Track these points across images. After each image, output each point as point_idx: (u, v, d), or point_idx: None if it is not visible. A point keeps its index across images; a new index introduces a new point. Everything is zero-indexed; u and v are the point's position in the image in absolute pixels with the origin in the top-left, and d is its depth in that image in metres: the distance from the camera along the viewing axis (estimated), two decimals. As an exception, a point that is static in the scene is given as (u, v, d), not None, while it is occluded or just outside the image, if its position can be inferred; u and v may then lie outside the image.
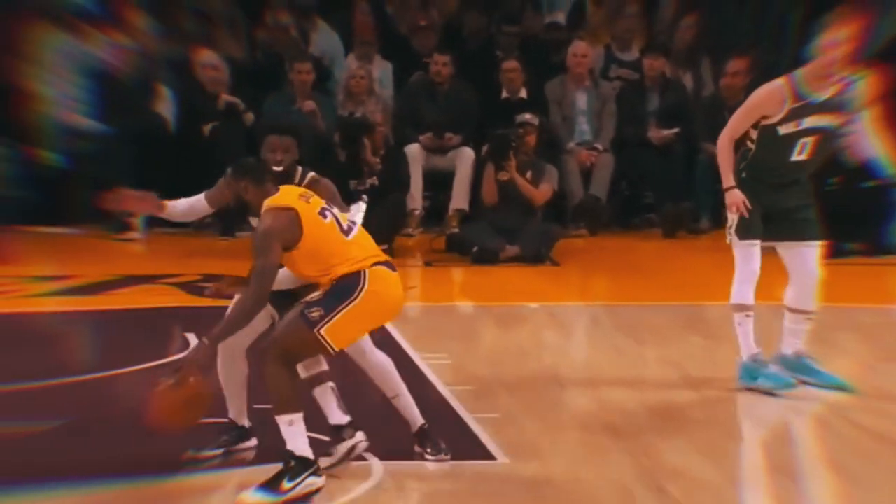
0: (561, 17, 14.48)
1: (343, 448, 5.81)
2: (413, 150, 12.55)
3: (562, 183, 12.17)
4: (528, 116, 11.60)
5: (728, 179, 6.93)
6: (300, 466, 5.46)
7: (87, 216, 11.91)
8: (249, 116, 12.57)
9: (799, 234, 6.98)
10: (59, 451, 6.01)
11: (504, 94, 13.06)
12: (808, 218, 7.02)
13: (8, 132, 12.20)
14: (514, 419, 6.52)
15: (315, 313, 5.58)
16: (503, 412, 6.62)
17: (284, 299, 5.89)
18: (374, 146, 11.46)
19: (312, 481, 5.48)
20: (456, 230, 12.13)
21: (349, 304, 5.63)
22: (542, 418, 6.55)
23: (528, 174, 11.36)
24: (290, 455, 5.47)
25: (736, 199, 6.89)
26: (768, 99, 6.87)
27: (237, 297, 5.71)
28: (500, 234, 11.28)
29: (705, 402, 6.87)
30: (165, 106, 12.44)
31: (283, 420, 5.51)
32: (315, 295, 5.66)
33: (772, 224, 6.98)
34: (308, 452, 5.50)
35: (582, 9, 14.58)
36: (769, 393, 6.89)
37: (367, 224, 11.22)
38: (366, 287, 5.67)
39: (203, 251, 11.52)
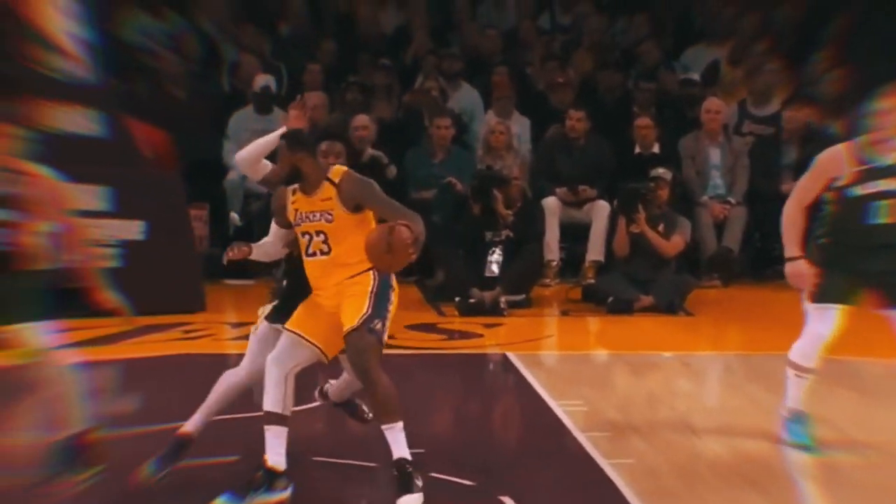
0: (695, 76, 14.69)
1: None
2: (550, 202, 12.83)
3: (695, 235, 12.32)
4: (660, 171, 11.79)
5: (791, 249, 6.83)
6: (415, 470, 5.90)
7: (262, 267, 12.32)
8: (392, 170, 12.91)
9: (891, 299, 6.78)
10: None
11: (637, 149, 13.28)
12: None
13: (204, 197, 12.86)
14: (650, 467, 6.51)
15: (377, 325, 5.98)
16: (638, 458, 6.63)
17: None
18: (509, 199, 11.71)
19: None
20: (592, 281, 12.31)
21: (390, 305, 6.12)
22: (678, 467, 6.50)
23: (661, 226, 11.54)
24: (406, 461, 5.90)
25: (797, 271, 6.79)
26: (829, 162, 6.77)
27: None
28: (635, 285, 11.47)
29: (856, 461, 6.65)
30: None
31: (394, 428, 5.94)
32: (365, 308, 5.98)
33: (866, 287, 6.80)
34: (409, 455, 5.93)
35: (716, 67, 14.80)
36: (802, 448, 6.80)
37: (504, 274, 11.66)
38: (394, 287, 6.21)
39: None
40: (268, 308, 6.48)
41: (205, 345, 9.75)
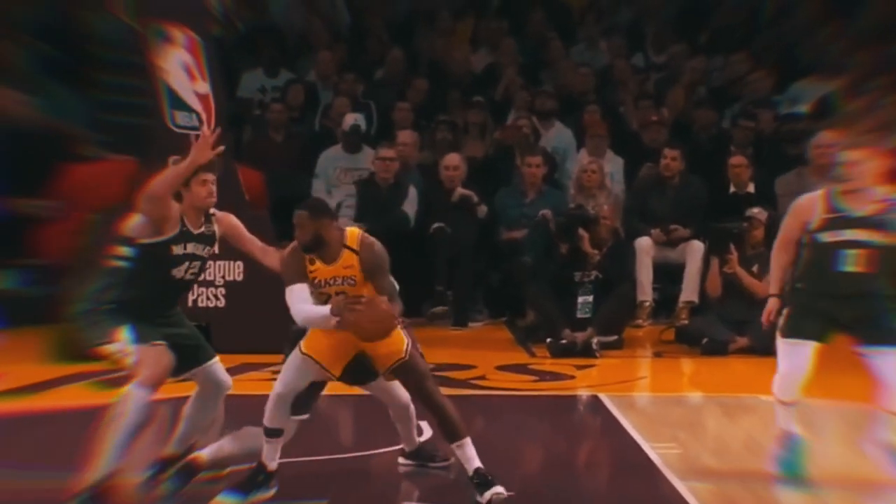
0: (800, 111, 14.40)
1: None
2: (643, 242, 12.65)
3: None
4: (755, 211, 11.60)
5: (773, 286, 7.15)
6: (488, 479, 6.41)
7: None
8: (482, 209, 12.84)
9: (868, 339, 6.91)
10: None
11: (732, 189, 13.09)
12: (881, 326, 6.88)
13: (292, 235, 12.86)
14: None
15: (419, 350, 6.51)
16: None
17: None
18: (598, 238, 11.59)
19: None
20: (686, 322, 12.17)
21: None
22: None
23: (755, 267, 11.35)
24: (482, 469, 6.40)
25: (770, 308, 7.12)
26: (803, 206, 7.02)
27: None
28: (730, 326, 11.30)
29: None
30: (410, 205, 12.84)
31: (465, 444, 6.44)
32: (405, 339, 6.47)
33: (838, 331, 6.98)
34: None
35: (828, 101, 14.48)
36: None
37: (596, 314, 11.54)
38: None
39: (436, 341, 11.52)
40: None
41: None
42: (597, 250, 11.59)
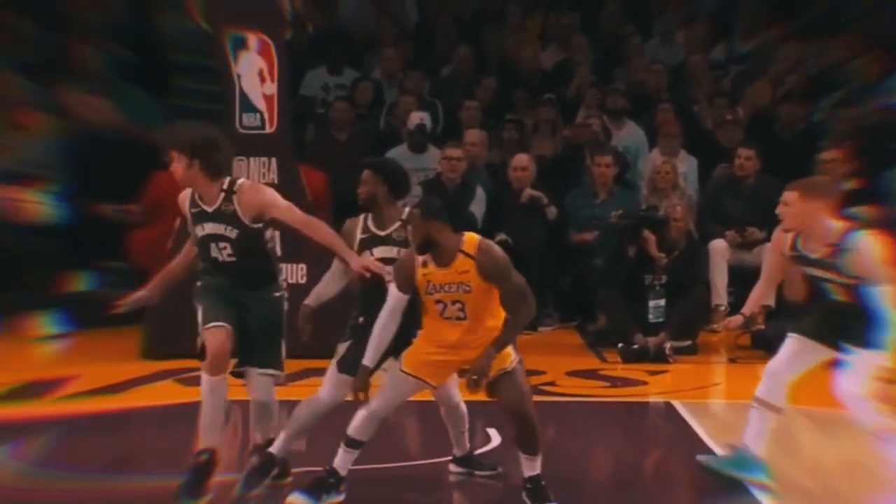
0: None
1: None
2: (718, 245, 12.29)
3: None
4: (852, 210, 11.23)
5: (747, 307, 7.32)
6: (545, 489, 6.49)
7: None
8: (552, 211, 12.60)
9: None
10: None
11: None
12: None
13: None
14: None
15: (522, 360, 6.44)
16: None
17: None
18: (667, 240, 11.40)
19: None
20: (762, 327, 11.83)
21: None
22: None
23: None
24: (538, 478, 6.47)
25: (732, 321, 7.48)
26: (776, 239, 7.20)
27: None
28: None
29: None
30: (477, 206, 12.63)
31: (537, 459, 6.46)
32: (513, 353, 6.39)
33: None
34: None
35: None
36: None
37: (669, 319, 11.29)
38: None
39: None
40: (342, 349, 6.81)
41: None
42: (666, 253, 11.39)
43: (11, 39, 13.52)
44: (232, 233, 6.67)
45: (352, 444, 6.58)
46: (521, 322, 6.36)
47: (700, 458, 7.18)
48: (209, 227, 6.67)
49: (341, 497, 6.63)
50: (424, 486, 7.27)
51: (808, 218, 6.89)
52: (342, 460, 6.59)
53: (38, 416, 8.90)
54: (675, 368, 10.78)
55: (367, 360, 6.48)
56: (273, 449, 6.83)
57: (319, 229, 6.74)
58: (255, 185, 6.87)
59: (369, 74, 15.17)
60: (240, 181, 6.75)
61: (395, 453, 7.82)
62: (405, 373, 6.49)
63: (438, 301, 6.36)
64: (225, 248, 6.68)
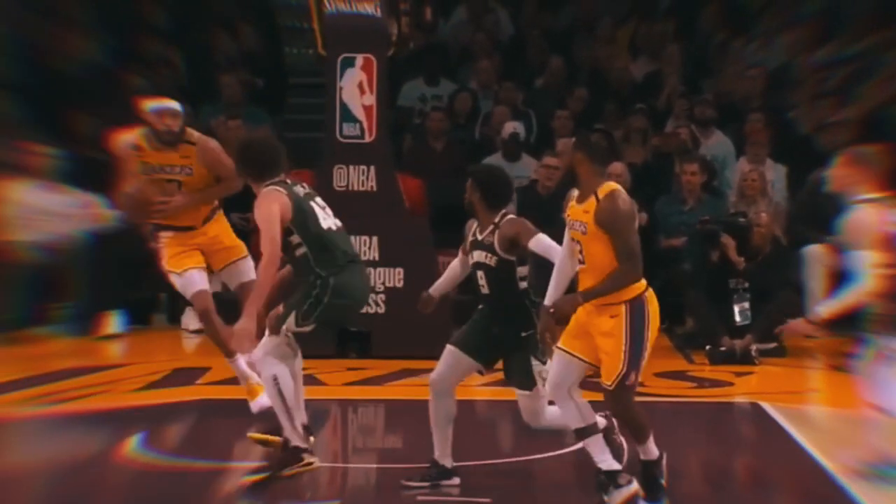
0: None
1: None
2: (814, 250, 12.23)
3: None
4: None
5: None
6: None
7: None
8: (642, 217, 12.59)
9: None
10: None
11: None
12: None
13: (452, 243, 13.00)
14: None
15: (632, 379, 6.30)
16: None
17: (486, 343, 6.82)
18: (750, 246, 11.50)
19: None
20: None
21: (646, 343, 6.35)
22: None
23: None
24: (654, 463, 6.50)
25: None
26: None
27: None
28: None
29: None
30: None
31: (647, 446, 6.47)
32: (620, 366, 6.27)
33: None
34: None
35: None
36: None
37: (755, 321, 11.20)
38: (649, 311, 6.37)
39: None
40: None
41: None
42: (749, 258, 11.48)
43: (163, 68, 14.68)
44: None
45: (586, 431, 6.54)
46: (618, 279, 6.24)
47: (853, 464, 7.04)
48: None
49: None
50: (536, 480, 7.45)
51: (848, 183, 6.88)
52: (597, 451, 6.54)
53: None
54: (762, 370, 10.85)
55: (548, 300, 6.53)
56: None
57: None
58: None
59: (465, 85, 15.34)
60: None
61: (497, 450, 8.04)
62: (560, 349, 6.50)
63: (573, 239, 6.41)
64: None
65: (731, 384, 10.34)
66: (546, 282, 6.63)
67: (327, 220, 7.11)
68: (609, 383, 6.32)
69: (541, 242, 6.78)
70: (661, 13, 16.21)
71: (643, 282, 6.40)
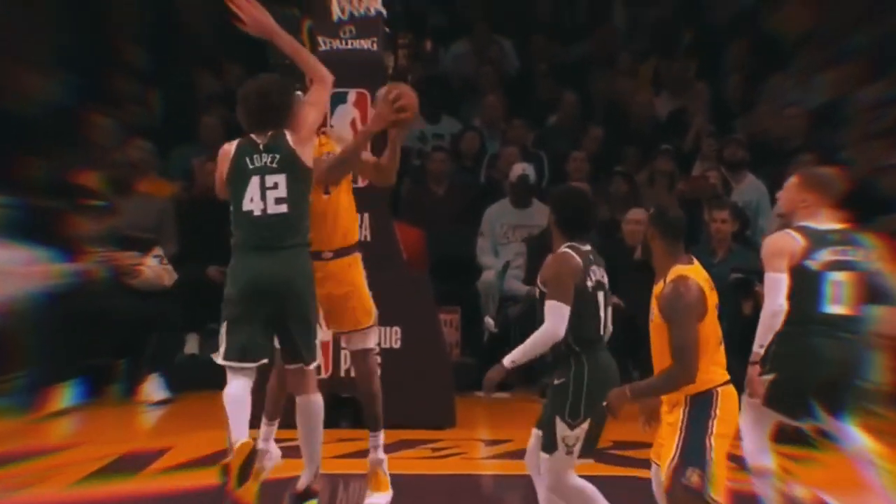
0: None
1: None
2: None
3: None
4: None
5: None
6: None
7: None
8: (668, 270, 11.93)
9: None
10: None
11: None
12: None
13: (455, 299, 12.77)
14: None
15: (693, 478, 5.78)
16: None
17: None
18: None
19: None
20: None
21: (709, 438, 5.81)
22: None
23: None
24: None
25: None
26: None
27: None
28: None
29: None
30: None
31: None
32: (672, 453, 5.85)
33: None
34: None
35: None
36: None
37: None
38: (718, 416, 5.88)
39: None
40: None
41: (454, 464, 9.54)
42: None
43: (137, 107, 14.34)
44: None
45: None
46: (667, 380, 5.94)
47: None
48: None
49: None
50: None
51: (795, 208, 7.04)
52: None
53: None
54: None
55: None
56: None
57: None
58: None
59: (469, 123, 14.87)
60: None
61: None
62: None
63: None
64: None
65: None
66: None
67: None
68: (666, 476, 5.94)
69: None
70: (683, 50, 15.80)
71: (719, 374, 6.01)
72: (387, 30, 10.92)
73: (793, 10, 15.37)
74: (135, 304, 11.55)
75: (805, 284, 6.89)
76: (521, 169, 13.07)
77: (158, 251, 11.80)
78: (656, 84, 15.38)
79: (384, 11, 10.61)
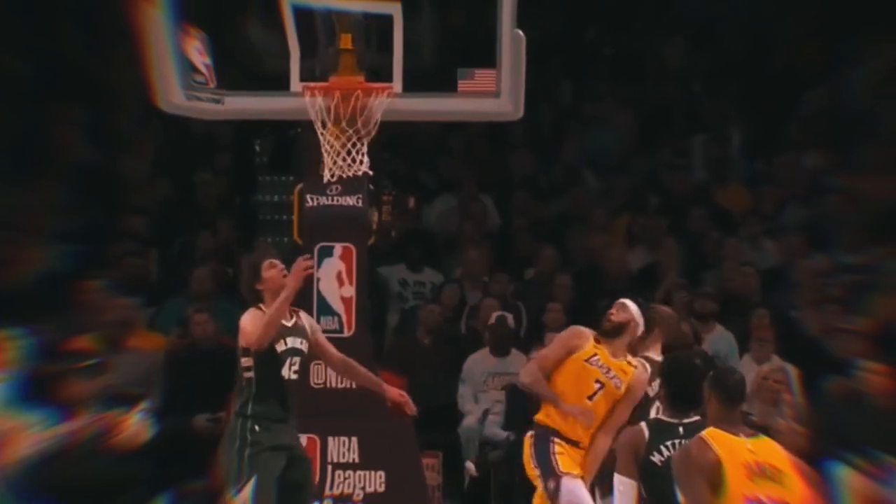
0: None
1: None
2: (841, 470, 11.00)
3: None
4: None
5: None
6: None
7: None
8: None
9: None
10: None
11: None
12: None
13: (437, 445, 12.70)
14: None
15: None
16: None
17: None
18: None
19: None
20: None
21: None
22: None
23: None
24: None
25: None
26: None
27: None
28: None
29: None
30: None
31: None
32: None
33: None
34: None
35: None
36: None
37: None
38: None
39: None
40: None
41: None
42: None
43: (135, 269, 14.27)
44: (304, 346, 8.49)
45: None
46: None
47: None
48: (290, 342, 7.77)
49: None
50: None
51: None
52: None
53: None
54: None
55: None
56: None
57: (356, 373, 8.03)
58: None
59: (450, 275, 15.03)
60: None
61: None
62: None
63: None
64: (295, 363, 8.08)
65: None
66: None
67: None
68: None
69: None
70: (653, 210, 16.04)
71: None
72: (371, 187, 11.25)
73: (734, 191, 15.99)
74: (107, 467, 10.90)
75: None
76: (499, 313, 13.34)
77: (145, 405, 11.44)
78: (630, 238, 15.56)
79: (370, 172, 10.87)
